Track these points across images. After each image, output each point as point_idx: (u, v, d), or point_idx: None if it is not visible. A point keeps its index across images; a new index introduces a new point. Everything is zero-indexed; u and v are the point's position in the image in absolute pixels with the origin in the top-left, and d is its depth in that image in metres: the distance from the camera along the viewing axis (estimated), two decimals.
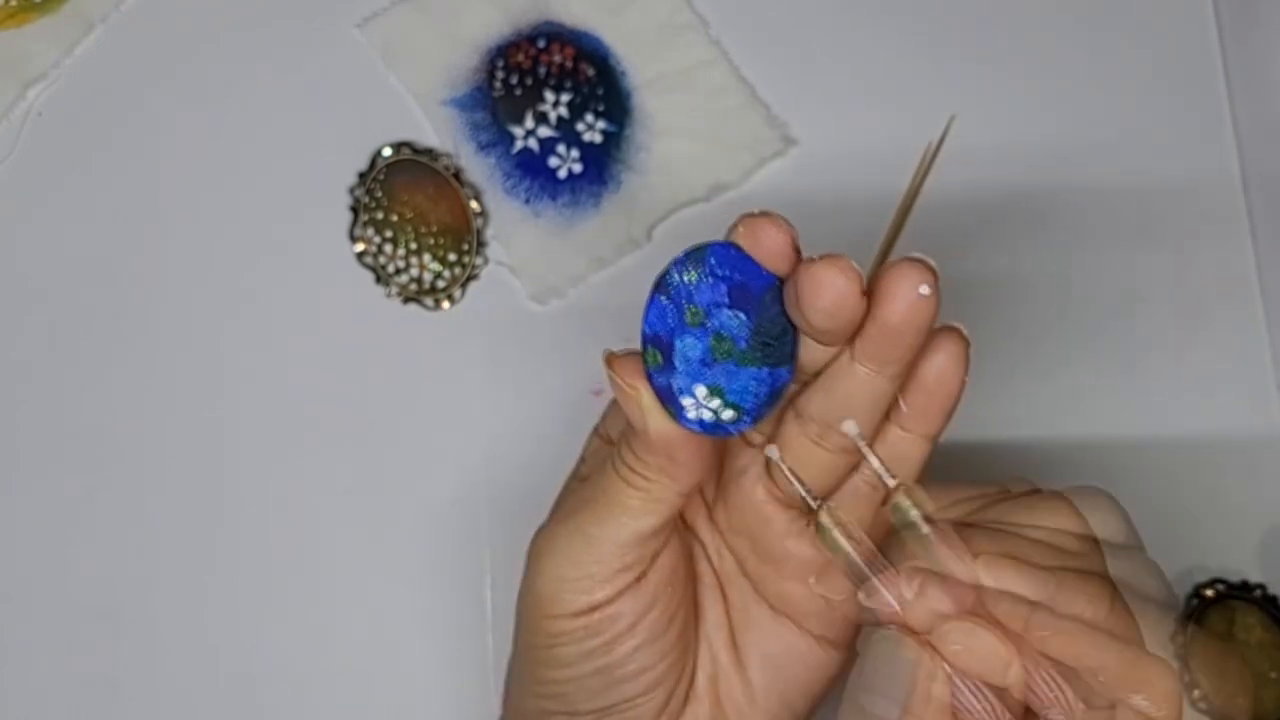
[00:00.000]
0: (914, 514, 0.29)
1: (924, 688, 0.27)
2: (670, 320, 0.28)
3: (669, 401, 0.29)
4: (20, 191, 0.46)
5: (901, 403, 0.30)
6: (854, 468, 0.31)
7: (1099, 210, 0.49)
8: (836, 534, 0.29)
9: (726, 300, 0.28)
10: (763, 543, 0.32)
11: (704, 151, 0.48)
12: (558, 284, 0.47)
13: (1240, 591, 0.46)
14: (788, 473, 0.29)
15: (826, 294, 0.27)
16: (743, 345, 0.28)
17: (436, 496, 0.45)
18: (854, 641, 0.33)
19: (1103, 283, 0.49)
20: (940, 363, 0.29)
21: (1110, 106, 0.50)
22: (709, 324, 0.28)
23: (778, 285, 0.28)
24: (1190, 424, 0.48)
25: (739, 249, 0.28)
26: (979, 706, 0.27)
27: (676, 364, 0.28)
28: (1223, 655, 0.46)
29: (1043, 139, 0.49)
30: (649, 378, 0.29)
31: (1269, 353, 0.49)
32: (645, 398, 0.29)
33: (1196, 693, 0.46)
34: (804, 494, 0.29)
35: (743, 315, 0.28)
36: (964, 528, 0.30)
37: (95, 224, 0.46)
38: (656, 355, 0.29)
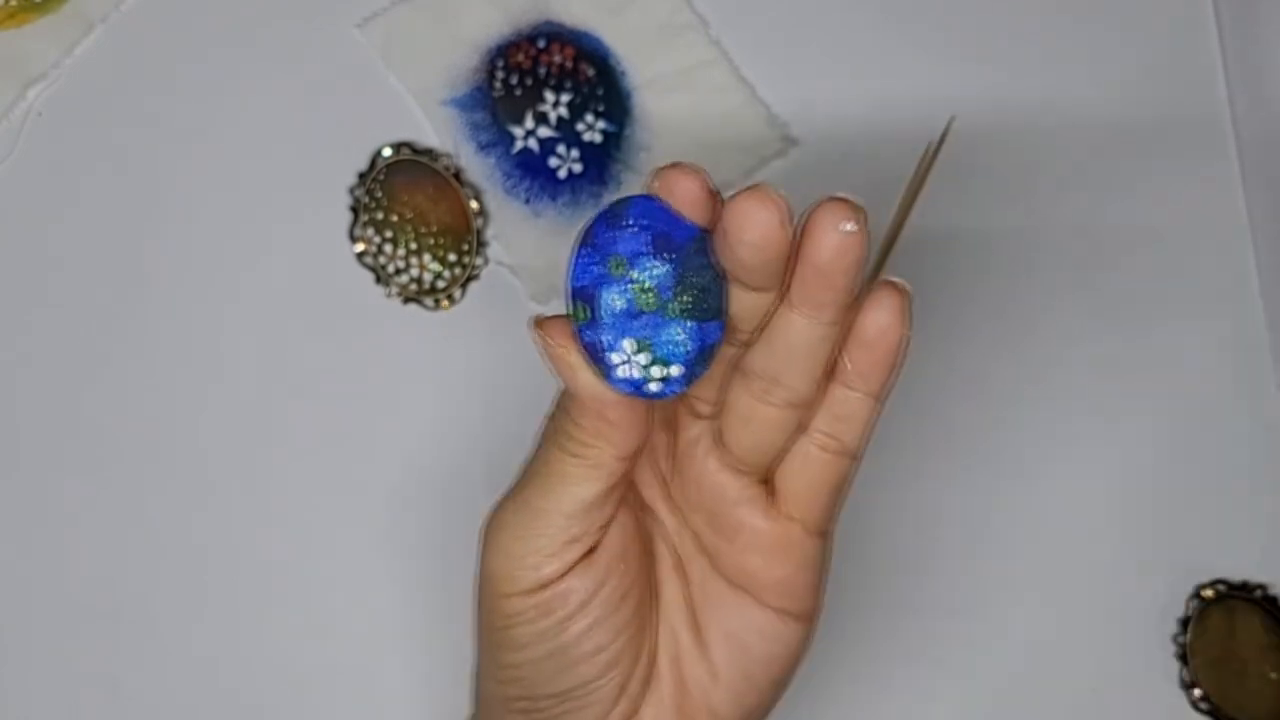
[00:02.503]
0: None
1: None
2: (594, 272, 0.28)
3: (598, 359, 0.29)
4: (20, 191, 0.46)
5: (845, 360, 0.30)
6: (803, 427, 0.31)
7: (1095, 194, 0.49)
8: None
9: (649, 249, 0.28)
10: (717, 514, 0.32)
11: (704, 152, 0.48)
12: (558, 284, 0.47)
13: (1240, 591, 0.46)
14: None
15: (751, 227, 0.27)
16: (667, 295, 0.28)
17: (436, 496, 0.45)
18: (814, 612, 0.34)
19: (1097, 272, 0.49)
20: (880, 317, 0.29)
21: (1109, 94, 0.50)
22: (632, 273, 0.28)
23: (701, 236, 0.28)
24: (1189, 422, 0.48)
25: (661, 201, 0.28)
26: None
27: (602, 317, 0.28)
28: (1223, 655, 0.46)
29: (1042, 138, 0.49)
30: (578, 335, 0.29)
31: (1269, 353, 0.49)
32: (573, 357, 0.29)
33: (1197, 692, 0.46)
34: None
35: (665, 264, 0.28)
36: None
37: (95, 224, 0.46)
38: (583, 309, 0.29)
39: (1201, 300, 0.49)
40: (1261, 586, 0.47)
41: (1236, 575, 0.47)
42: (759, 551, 0.32)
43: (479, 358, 0.46)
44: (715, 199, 0.28)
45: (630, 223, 0.28)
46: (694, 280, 0.28)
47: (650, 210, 0.28)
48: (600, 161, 0.47)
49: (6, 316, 0.45)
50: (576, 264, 0.29)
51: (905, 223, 0.48)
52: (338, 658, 0.44)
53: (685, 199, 0.28)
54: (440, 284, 0.47)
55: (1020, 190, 0.49)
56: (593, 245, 0.28)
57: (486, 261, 0.47)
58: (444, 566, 0.45)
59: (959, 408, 0.47)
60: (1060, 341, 0.48)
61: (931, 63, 0.49)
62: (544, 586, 0.31)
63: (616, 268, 0.28)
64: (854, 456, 0.31)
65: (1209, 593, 0.46)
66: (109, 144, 0.47)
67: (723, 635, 0.33)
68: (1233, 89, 0.50)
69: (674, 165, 0.28)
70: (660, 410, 0.32)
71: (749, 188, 0.27)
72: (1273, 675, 0.46)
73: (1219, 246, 0.50)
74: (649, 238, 0.28)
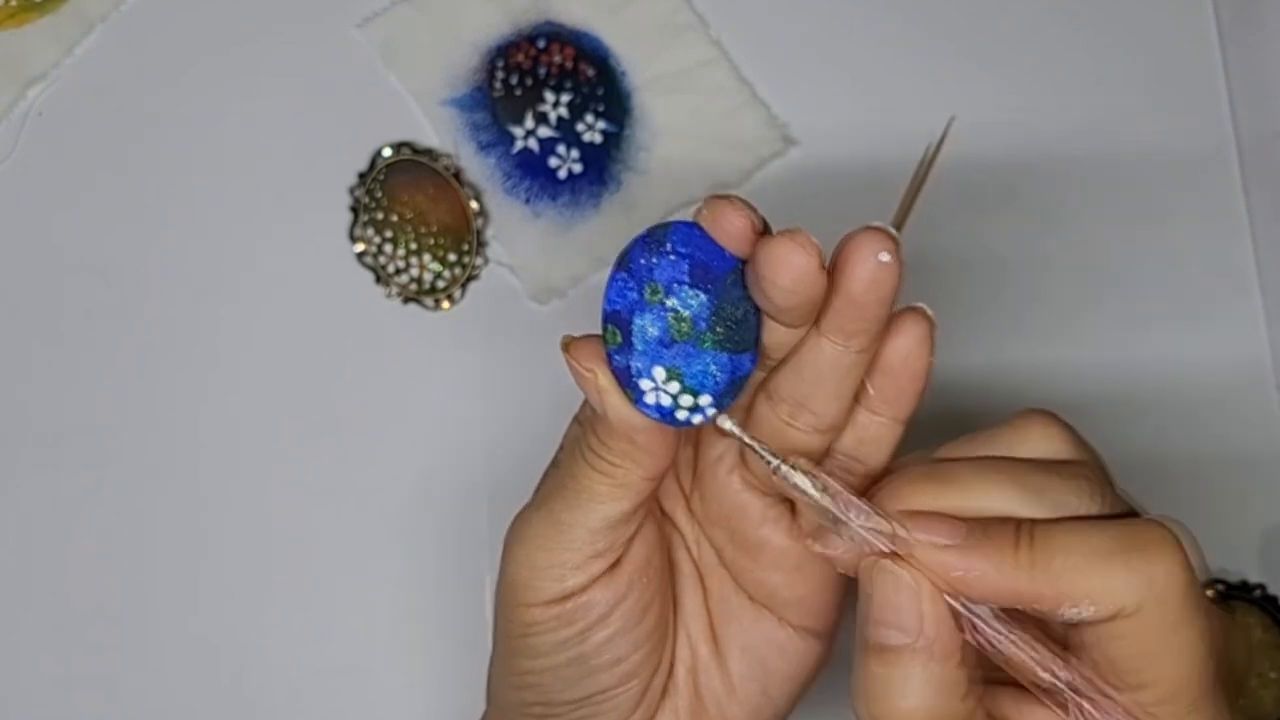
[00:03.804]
0: (799, 479, 0.28)
1: (925, 609, 0.27)
2: (630, 297, 0.28)
3: (627, 384, 0.28)
4: (20, 191, 0.46)
5: (868, 385, 0.30)
6: (828, 450, 0.31)
7: (1097, 198, 0.49)
8: (808, 485, 0.28)
9: (687, 278, 0.28)
10: (740, 532, 0.32)
11: (704, 151, 0.48)
12: (558, 284, 0.47)
13: (1240, 591, 0.46)
14: (742, 434, 0.29)
15: (786, 271, 0.26)
16: (702, 326, 0.28)
17: (437, 496, 0.45)
18: (834, 630, 0.33)
19: (1099, 277, 0.49)
20: (904, 344, 0.29)
21: (1109, 98, 0.50)
22: (668, 302, 0.28)
23: (740, 269, 0.28)
24: (1189, 423, 0.48)
25: (702, 230, 0.28)
26: (991, 630, 0.27)
27: (635, 343, 0.28)
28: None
29: (1042, 138, 0.49)
30: (609, 358, 0.28)
31: (1268, 352, 0.49)
32: (602, 380, 0.28)
33: None
34: (763, 453, 0.29)
35: (703, 295, 0.28)
36: (938, 464, 0.29)
37: (95, 224, 0.46)
38: (615, 333, 0.28)
39: (1201, 301, 0.49)
40: (1261, 586, 0.47)
41: (1236, 575, 0.47)
42: (781, 570, 0.32)
43: (479, 358, 0.46)
44: (759, 235, 0.28)
45: (669, 249, 0.28)
46: (730, 312, 0.28)
47: (691, 238, 0.28)
48: (600, 162, 0.48)
49: (6, 316, 0.45)
50: (612, 287, 0.28)
51: (905, 224, 0.48)
52: (336, 659, 0.44)
53: (731, 234, 0.27)
54: (440, 284, 0.47)
55: (1020, 197, 0.49)
56: (629, 270, 0.28)
57: (486, 261, 0.47)
58: (445, 566, 0.45)
59: (957, 412, 0.47)
60: (1059, 344, 0.48)
61: (931, 65, 0.49)
62: (567, 598, 0.30)
63: (653, 294, 0.28)
64: (877, 478, 0.31)
65: (1208, 592, 0.46)
66: (109, 144, 0.47)
67: (741, 649, 0.33)
68: (1234, 96, 0.50)
69: (725, 198, 0.28)
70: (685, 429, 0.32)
71: (783, 231, 0.26)
72: (1273, 675, 0.46)
73: (1219, 249, 0.50)
74: (688, 266, 0.28)
